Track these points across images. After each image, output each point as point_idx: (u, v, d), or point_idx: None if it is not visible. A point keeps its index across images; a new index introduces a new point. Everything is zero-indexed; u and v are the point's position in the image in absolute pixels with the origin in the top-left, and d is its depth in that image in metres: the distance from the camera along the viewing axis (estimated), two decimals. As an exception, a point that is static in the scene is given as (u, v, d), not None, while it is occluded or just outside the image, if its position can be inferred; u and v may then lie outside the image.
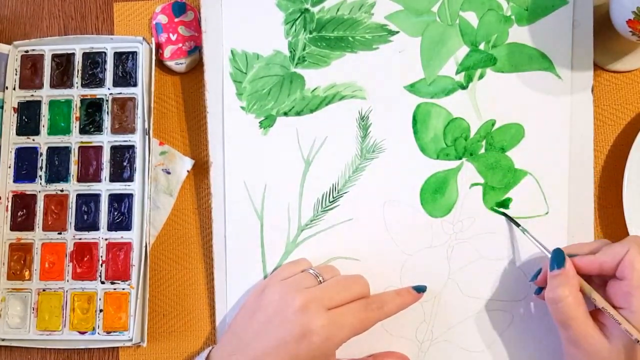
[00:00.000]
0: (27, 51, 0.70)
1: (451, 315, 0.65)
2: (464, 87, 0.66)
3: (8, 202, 0.68)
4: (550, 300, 0.56)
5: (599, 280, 0.58)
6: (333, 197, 0.66)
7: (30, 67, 0.69)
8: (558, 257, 0.56)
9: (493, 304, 0.65)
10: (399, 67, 0.67)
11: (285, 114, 0.67)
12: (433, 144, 0.66)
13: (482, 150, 0.66)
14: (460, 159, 0.66)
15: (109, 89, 0.69)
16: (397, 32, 0.67)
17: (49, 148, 0.68)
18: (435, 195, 0.66)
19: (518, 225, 0.64)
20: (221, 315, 0.67)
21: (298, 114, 0.67)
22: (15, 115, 0.69)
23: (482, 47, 0.66)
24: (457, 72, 0.66)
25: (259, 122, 0.67)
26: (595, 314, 0.56)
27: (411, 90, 0.66)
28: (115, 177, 0.68)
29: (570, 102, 0.65)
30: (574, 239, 0.65)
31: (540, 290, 0.61)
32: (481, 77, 0.66)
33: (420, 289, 0.63)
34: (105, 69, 0.69)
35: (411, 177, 0.66)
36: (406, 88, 0.66)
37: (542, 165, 0.65)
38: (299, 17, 0.67)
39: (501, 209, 0.65)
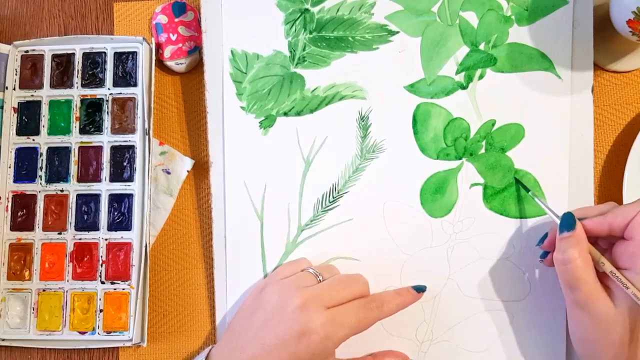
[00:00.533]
0: (27, 51, 0.69)
1: (451, 315, 0.65)
2: (464, 87, 0.66)
3: (8, 202, 0.68)
4: (559, 261, 0.56)
5: (605, 244, 0.59)
6: (333, 197, 0.66)
7: (30, 67, 0.69)
8: (569, 220, 0.56)
9: (493, 304, 0.65)
10: (399, 67, 0.67)
11: (286, 114, 0.67)
12: (433, 144, 0.66)
13: (482, 150, 0.66)
14: (460, 159, 0.66)
15: (109, 89, 0.69)
16: (397, 32, 0.67)
17: (49, 148, 0.68)
18: (435, 195, 0.66)
19: (528, 190, 0.64)
20: (221, 315, 0.67)
21: (298, 114, 0.67)
22: (15, 115, 0.69)
23: (482, 47, 0.66)
24: (457, 72, 0.66)
25: (259, 122, 0.67)
26: (602, 277, 0.56)
27: (411, 91, 0.66)
28: (115, 177, 0.68)
29: (570, 102, 0.65)
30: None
31: (545, 254, 0.61)
32: (481, 77, 0.66)
33: (420, 289, 0.63)
34: (105, 69, 0.69)
35: (411, 177, 0.66)
36: (406, 88, 0.66)
37: (542, 165, 0.65)
38: (299, 17, 0.67)
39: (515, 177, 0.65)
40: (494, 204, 0.65)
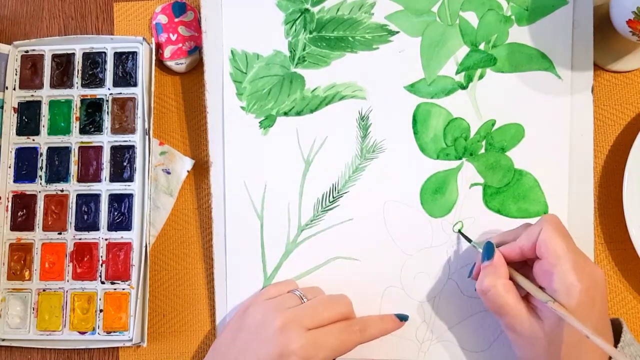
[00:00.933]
0: (27, 51, 0.70)
1: (451, 315, 0.65)
2: (464, 87, 0.66)
3: (8, 202, 0.68)
4: (480, 291, 0.57)
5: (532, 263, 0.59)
6: (333, 197, 0.66)
7: (30, 67, 0.69)
8: (488, 250, 0.58)
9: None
10: (399, 67, 0.67)
11: (286, 114, 0.67)
12: (433, 144, 0.66)
13: (482, 150, 0.66)
14: (460, 159, 0.66)
15: (109, 89, 0.69)
16: (397, 32, 0.67)
17: (49, 148, 0.69)
18: (435, 195, 0.66)
19: (470, 240, 0.64)
20: (221, 315, 0.67)
21: (298, 114, 0.67)
22: (15, 115, 0.69)
23: (482, 47, 0.66)
24: (457, 72, 0.66)
25: (259, 122, 0.67)
26: (530, 298, 0.56)
27: (411, 90, 0.66)
28: (116, 177, 0.68)
29: (570, 102, 0.65)
30: (575, 239, 0.65)
31: None
32: (481, 77, 0.66)
33: (403, 318, 0.64)
34: (105, 69, 0.69)
35: (411, 177, 0.66)
36: (406, 88, 0.66)
37: (542, 165, 0.65)
38: (299, 17, 0.67)
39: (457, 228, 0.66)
40: (494, 204, 0.65)
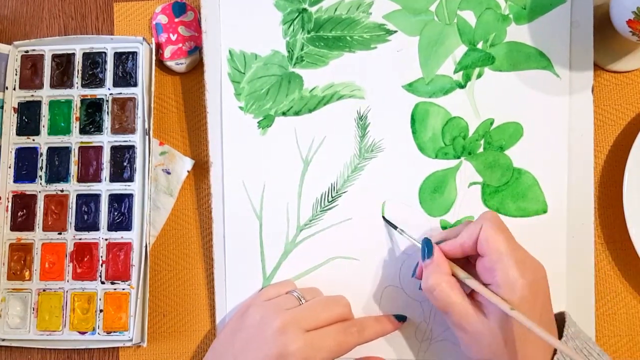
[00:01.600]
0: (27, 51, 0.70)
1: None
2: (462, 86, 0.66)
3: (8, 202, 0.68)
4: (425, 290, 0.57)
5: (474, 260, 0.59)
6: (332, 197, 0.66)
7: (31, 67, 0.70)
8: (427, 247, 0.58)
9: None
10: (397, 66, 0.66)
11: (284, 113, 0.67)
12: (431, 143, 0.66)
13: (481, 149, 0.66)
14: (458, 158, 0.66)
15: (109, 89, 0.69)
16: (395, 31, 0.67)
17: (49, 148, 0.69)
18: (434, 194, 0.66)
19: (395, 227, 0.64)
20: (221, 315, 0.67)
21: (296, 113, 0.67)
22: (16, 115, 0.69)
23: (480, 46, 0.66)
24: (456, 71, 0.66)
25: (258, 122, 0.67)
26: (474, 295, 0.56)
27: (409, 90, 0.66)
28: (116, 177, 0.68)
29: (568, 101, 0.65)
30: (574, 239, 0.65)
31: None
32: (479, 76, 0.66)
33: (401, 318, 0.64)
34: (105, 69, 0.69)
35: (410, 177, 0.66)
36: (404, 87, 0.66)
37: (541, 164, 0.65)
38: (297, 17, 0.67)
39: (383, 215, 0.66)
40: (493, 203, 0.65)
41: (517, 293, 0.52)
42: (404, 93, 0.66)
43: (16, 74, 0.70)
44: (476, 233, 0.56)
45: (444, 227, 0.65)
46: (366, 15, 0.67)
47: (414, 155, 0.66)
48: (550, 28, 0.66)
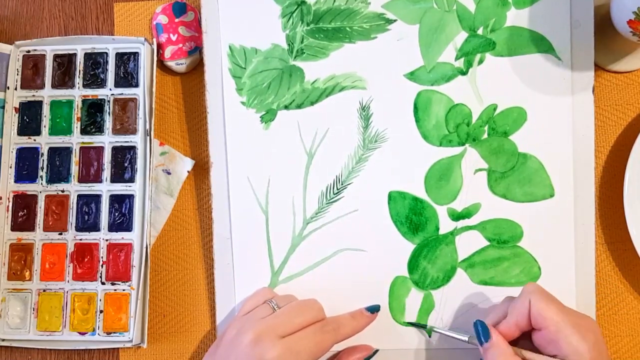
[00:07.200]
0: (28, 51, 0.70)
1: (459, 302, 0.64)
2: (463, 73, 0.66)
3: (9, 202, 0.68)
4: None
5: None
6: (337, 189, 0.66)
7: (32, 67, 0.70)
8: (483, 330, 0.57)
9: (502, 290, 0.64)
10: (398, 55, 0.66)
11: (286, 107, 0.67)
12: (435, 131, 0.65)
13: (485, 135, 0.65)
14: (463, 144, 0.65)
15: (110, 89, 0.69)
16: (395, 20, 0.67)
17: (50, 148, 0.68)
18: (440, 182, 0.65)
19: (425, 327, 0.64)
20: (221, 316, 0.66)
21: (299, 106, 0.67)
22: (17, 115, 0.69)
23: (480, 31, 0.66)
24: (457, 58, 0.66)
25: (260, 117, 0.67)
26: None
27: (411, 78, 0.66)
28: (116, 177, 0.68)
29: (570, 83, 0.65)
30: (583, 226, 0.64)
31: None
32: (481, 62, 0.66)
33: (374, 309, 0.63)
34: (106, 70, 0.69)
35: (415, 165, 0.65)
36: (406, 76, 0.66)
37: (546, 148, 0.65)
38: (296, 9, 0.68)
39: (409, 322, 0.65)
40: (499, 189, 0.64)
41: (585, 358, 0.52)
42: (406, 82, 0.66)
43: (17, 74, 0.70)
44: (526, 308, 0.55)
45: (450, 215, 0.64)
46: (365, 5, 0.67)
47: (418, 143, 0.66)
48: (550, 11, 0.66)
